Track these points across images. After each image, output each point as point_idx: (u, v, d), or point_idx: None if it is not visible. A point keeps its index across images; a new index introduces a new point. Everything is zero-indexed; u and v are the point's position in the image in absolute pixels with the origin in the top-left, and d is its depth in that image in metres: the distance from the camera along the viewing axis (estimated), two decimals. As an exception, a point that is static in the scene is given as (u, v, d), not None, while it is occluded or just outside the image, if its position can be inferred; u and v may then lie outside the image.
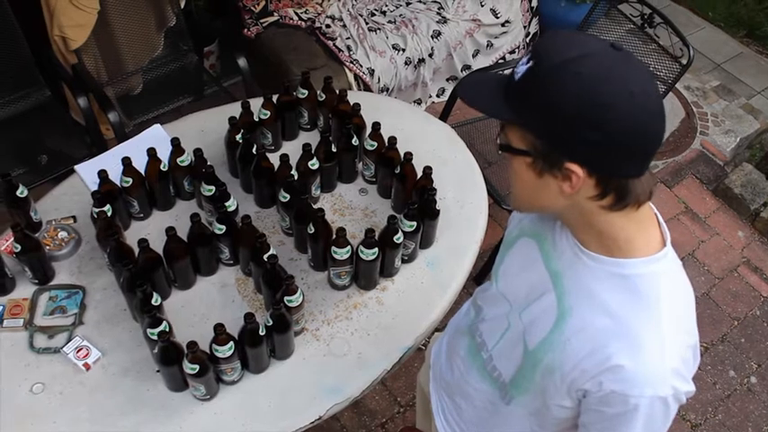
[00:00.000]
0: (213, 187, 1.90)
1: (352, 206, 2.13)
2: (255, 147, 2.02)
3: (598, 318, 1.06)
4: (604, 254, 1.06)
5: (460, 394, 1.47)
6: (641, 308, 1.04)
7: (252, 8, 3.54)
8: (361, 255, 1.80)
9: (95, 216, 1.83)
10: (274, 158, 2.02)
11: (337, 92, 2.22)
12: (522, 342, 1.19)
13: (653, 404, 1.03)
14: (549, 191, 1.02)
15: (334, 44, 3.42)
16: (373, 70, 3.38)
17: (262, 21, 3.51)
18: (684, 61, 2.69)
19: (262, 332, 1.62)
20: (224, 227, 1.82)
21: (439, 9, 3.70)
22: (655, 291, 1.04)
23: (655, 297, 1.04)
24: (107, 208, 1.82)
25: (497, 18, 3.78)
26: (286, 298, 1.66)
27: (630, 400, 1.03)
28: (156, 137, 2.21)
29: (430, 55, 3.57)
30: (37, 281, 1.84)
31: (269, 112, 2.15)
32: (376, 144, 2.08)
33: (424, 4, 3.73)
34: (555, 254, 1.15)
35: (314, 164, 2.01)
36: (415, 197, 1.98)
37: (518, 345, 1.21)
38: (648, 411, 1.03)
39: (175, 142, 1.98)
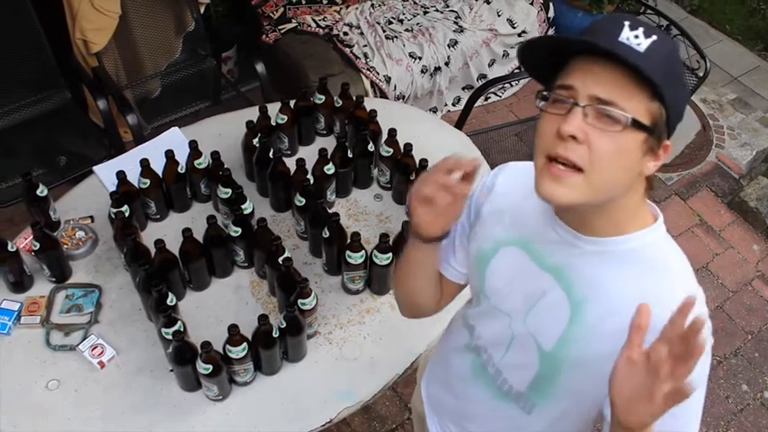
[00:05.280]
0: (230, 190, 1.92)
1: (367, 211, 2.14)
2: (272, 151, 2.04)
3: (619, 296, 1.05)
4: (608, 234, 1.06)
5: (468, 418, 1.42)
6: (657, 274, 1.05)
7: (270, 15, 3.57)
8: (375, 260, 1.81)
9: (113, 216, 1.85)
10: (290, 163, 2.03)
11: (354, 98, 2.24)
12: (536, 347, 1.16)
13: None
14: (636, 171, 1.00)
15: (351, 51, 3.44)
16: (390, 78, 3.40)
17: (280, 27, 3.54)
18: (701, 73, 2.68)
19: (275, 334, 1.64)
20: (239, 229, 1.83)
21: (456, 18, 3.72)
22: (663, 256, 1.07)
23: (665, 262, 1.07)
24: (125, 208, 1.84)
25: (514, 28, 3.80)
26: (300, 301, 1.67)
27: None
28: (174, 140, 2.24)
29: (446, 63, 3.59)
30: (54, 279, 1.87)
31: (286, 117, 2.17)
32: (392, 150, 2.09)
33: (442, 13, 3.75)
34: (547, 251, 1.13)
35: (330, 169, 2.02)
36: (429, 203, 1.99)
37: (530, 351, 1.18)
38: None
39: (193, 145, 2.00)
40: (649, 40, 0.93)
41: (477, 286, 1.29)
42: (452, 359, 1.42)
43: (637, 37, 0.93)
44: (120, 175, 1.91)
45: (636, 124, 0.94)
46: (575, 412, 1.21)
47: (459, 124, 2.92)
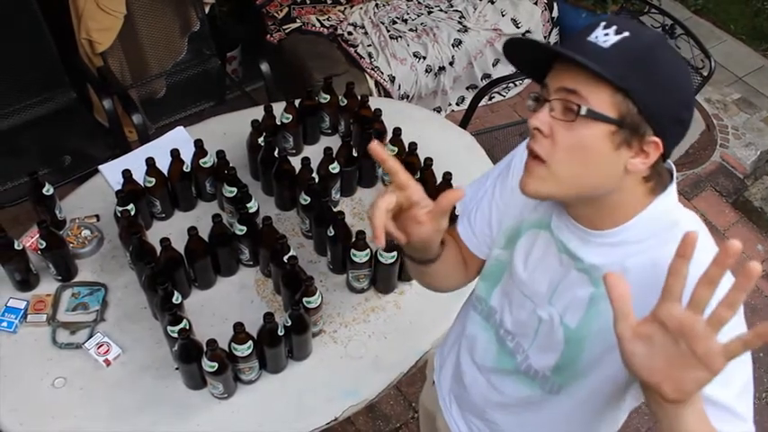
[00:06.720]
0: (235, 189, 1.92)
1: (372, 210, 2.14)
2: (277, 150, 2.04)
3: (634, 265, 1.04)
4: (609, 227, 1.06)
5: (491, 409, 1.40)
6: (668, 238, 1.02)
7: (275, 14, 3.58)
8: (381, 258, 1.81)
9: (119, 215, 1.85)
10: (295, 162, 2.04)
11: (359, 97, 2.24)
12: (562, 326, 1.16)
13: None
14: (614, 166, 0.98)
15: (355, 51, 3.45)
16: (394, 77, 3.40)
17: (284, 27, 3.55)
18: (705, 73, 2.68)
19: (280, 332, 1.64)
20: (245, 228, 1.84)
21: (460, 18, 3.72)
22: (672, 221, 1.05)
23: (674, 225, 1.04)
24: (130, 207, 1.85)
25: (518, 28, 3.80)
26: (305, 299, 1.68)
27: None
28: (179, 139, 2.24)
29: (450, 63, 3.59)
30: (60, 277, 1.87)
31: (291, 116, 2.18)
32: (396, 149, 2.10)
33: (446, 12, 3.75)
34: (564, 237, 1.14)
35: (335, 167, 2.03)
36: (434, 202, 1.99)
37: (557, 332, 1.17)
38: None
39: (199, 144, 2.00)
40: (618, 37, 0.94)
41: (500, 273, 1.30)
42: (474, 351, 1.41)
43: (606, 34, 0.95)
44: (126, 174, 1.92)
45: (593, 114, 0.94)
46: (599, 390, 1.18)
47: (464, 124, 2.92)
